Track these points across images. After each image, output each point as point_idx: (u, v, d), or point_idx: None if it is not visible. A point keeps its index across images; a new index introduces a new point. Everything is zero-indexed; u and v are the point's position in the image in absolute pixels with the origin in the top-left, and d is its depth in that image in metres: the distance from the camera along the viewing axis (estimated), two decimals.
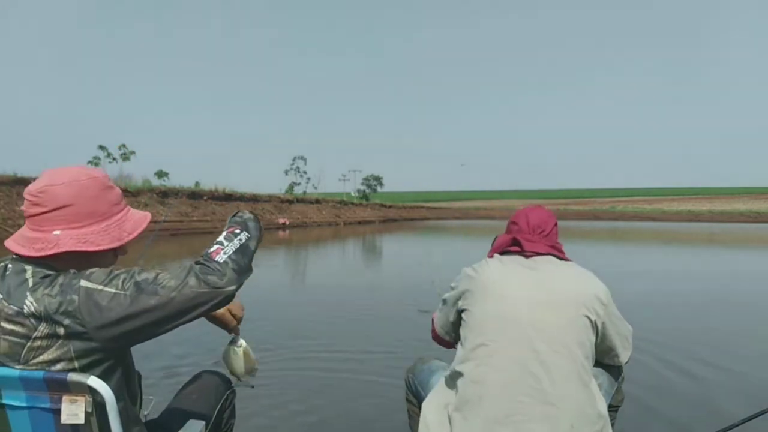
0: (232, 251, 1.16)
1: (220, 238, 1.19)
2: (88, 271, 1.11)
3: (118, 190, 1.27)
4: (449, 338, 1.86)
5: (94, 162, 38.33)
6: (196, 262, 1.12)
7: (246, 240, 1.21)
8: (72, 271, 1.13)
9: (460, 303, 1.70)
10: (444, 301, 1.83)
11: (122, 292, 1.07)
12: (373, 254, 15.54)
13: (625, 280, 8.33)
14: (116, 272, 1.11)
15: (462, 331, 1.66)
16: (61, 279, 1.10)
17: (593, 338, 1.57)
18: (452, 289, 1.77)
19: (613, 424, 1.64)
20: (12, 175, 16.72)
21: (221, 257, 1.13)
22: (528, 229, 1.75)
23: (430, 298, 2.65)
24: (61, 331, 1.06)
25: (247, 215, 1.29)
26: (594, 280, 1.65)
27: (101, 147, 39.57)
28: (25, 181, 16.37)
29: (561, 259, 1.71)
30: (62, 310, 1.05)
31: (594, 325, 1.56)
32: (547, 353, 1.48)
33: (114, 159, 39.82)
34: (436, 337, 1.93)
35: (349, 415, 2.89)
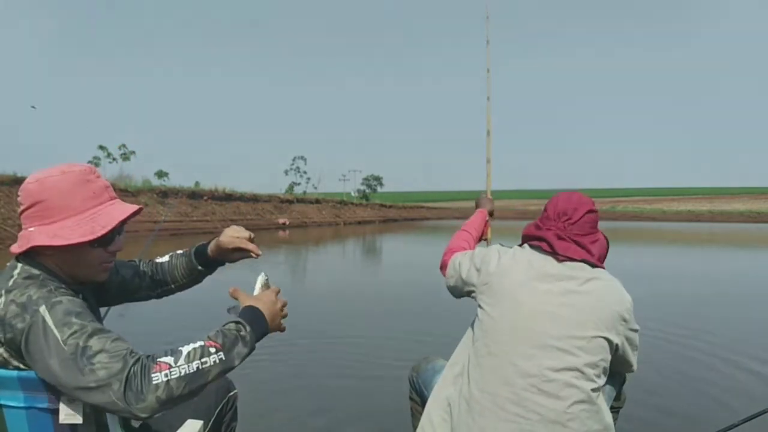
0: (176, 376, 1.01)
1: (186, 349, 1.05)
2: (57, 299, 1.07)
3: (101, 184, 1.23)
4: (452, 293, 1.83)
5: (94, 162, 38.38)
6: (138, 360, 1.01)
7: (211, 365, 1.05)
8: (52, 286, 1.11)
9: (477, 293, 1.63)
10: (461, 264, 1.75)
11: (63, 346, 1.01)
12: (372, 255, 15.53)
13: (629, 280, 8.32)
14: (77, 317, 1.05)
15: (476, 329, 1.59)
16: (32, 290, 1.09)
17: (609, 357, 1.50)
18: (476, 269, 1.67)
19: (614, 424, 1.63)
20: (12, 175, 16.72)
21: (158, 378, 1.00)
22: (554, 215, 1.62)
23: (429, 299, 2.64)
24: (7, 339, 1.06)
25: (248, 333, 1.14)
26: (620, 295, 1.54)
27: (101, 147, 39.70)
28: (25, 181, 16.35)
29: (594, 265, 1.57)
30: (13, 323, 1.05)
31: (612, 345, 1.50)
32: (558, 372, 1.42)
33: (114, 159, 39.96)
34: (443, 272, 1.87)
35: (353, 414, 2.88)
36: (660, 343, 4.49)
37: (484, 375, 1.49)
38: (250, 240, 1.58)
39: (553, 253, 1.56)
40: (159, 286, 1.63)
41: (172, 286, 1.65)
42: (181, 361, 1.03)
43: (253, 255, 1.58)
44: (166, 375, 1.00)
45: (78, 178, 1.19)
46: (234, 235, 1.57)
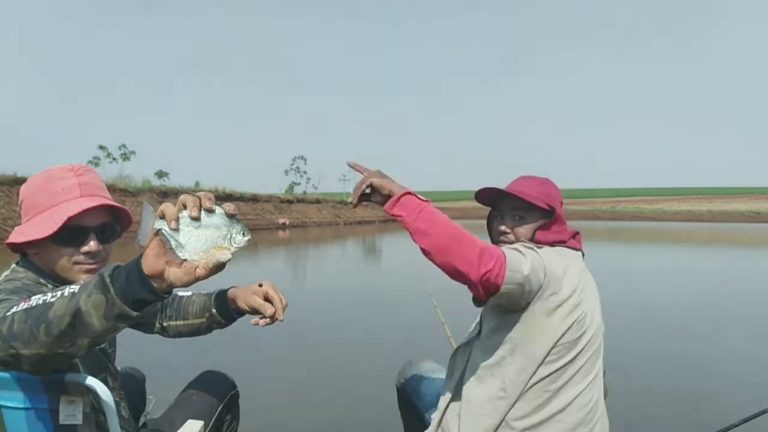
0: (24, 308, 0.89)
1: (63, 290, 0.89)
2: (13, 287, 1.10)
3: (74, 181, 1.18)
4: (502, 299, 1.31)
5: (94, 162, 38.44)
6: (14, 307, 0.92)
7: (54, 301, 0.86)
8: (25, 282, 1.15)
9: (541, 296, 1.33)
10: (519, 263, 1.28)
11: None
12: (372, 256, 15.52)
13: (631, 279, 8.32)
14: (10, 293, 1.05)
15: (567, 340, 1.35)
16: (4, 285, 1.12)
17: None
18: (543, 271, 1.32)
19: None
20: (12, 175, 16.73)
21: (13, 311, 0.89)
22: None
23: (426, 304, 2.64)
24: None
25: (106, 276, 0.85)
26: None
27: (101, 147, 39.80)
28: (25, 181, 16.37)
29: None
30: None
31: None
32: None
33: (114, 159, 40.01)
34: (495, 271, 1.23)
35: (348, 420, 2.88)
36: (660, 341, 4.49)
37: (580, 386, 1.36)
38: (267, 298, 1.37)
39: (580, 250, 1.51)
40: (167, 317, 1.51)
41: (178, 322, 1.50)
42: (41, 295, 0.91)
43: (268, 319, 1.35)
44: (20, 307, 0.90)
45: (50, 176, 1.19)
46: (253, 291, 1.38)
